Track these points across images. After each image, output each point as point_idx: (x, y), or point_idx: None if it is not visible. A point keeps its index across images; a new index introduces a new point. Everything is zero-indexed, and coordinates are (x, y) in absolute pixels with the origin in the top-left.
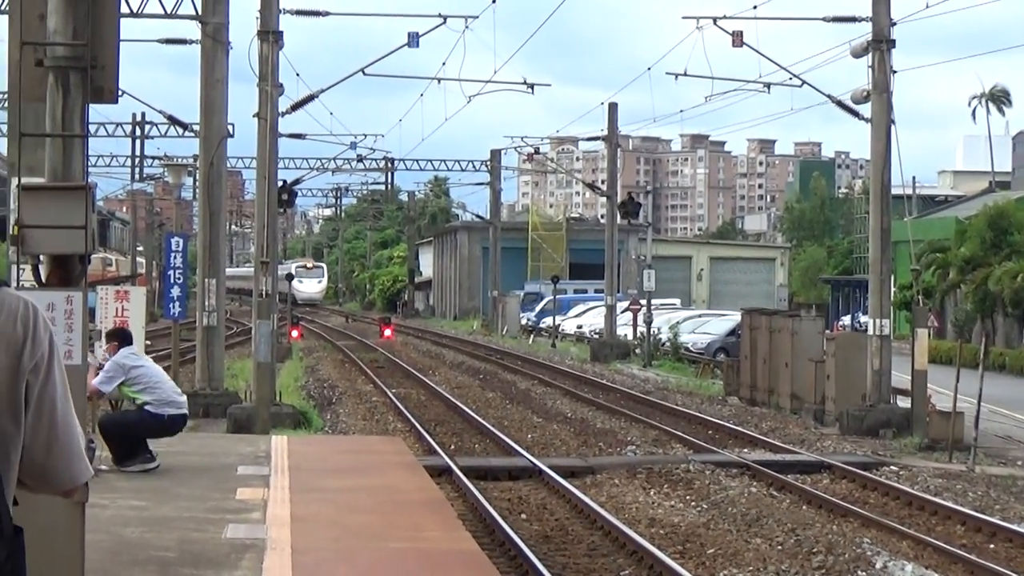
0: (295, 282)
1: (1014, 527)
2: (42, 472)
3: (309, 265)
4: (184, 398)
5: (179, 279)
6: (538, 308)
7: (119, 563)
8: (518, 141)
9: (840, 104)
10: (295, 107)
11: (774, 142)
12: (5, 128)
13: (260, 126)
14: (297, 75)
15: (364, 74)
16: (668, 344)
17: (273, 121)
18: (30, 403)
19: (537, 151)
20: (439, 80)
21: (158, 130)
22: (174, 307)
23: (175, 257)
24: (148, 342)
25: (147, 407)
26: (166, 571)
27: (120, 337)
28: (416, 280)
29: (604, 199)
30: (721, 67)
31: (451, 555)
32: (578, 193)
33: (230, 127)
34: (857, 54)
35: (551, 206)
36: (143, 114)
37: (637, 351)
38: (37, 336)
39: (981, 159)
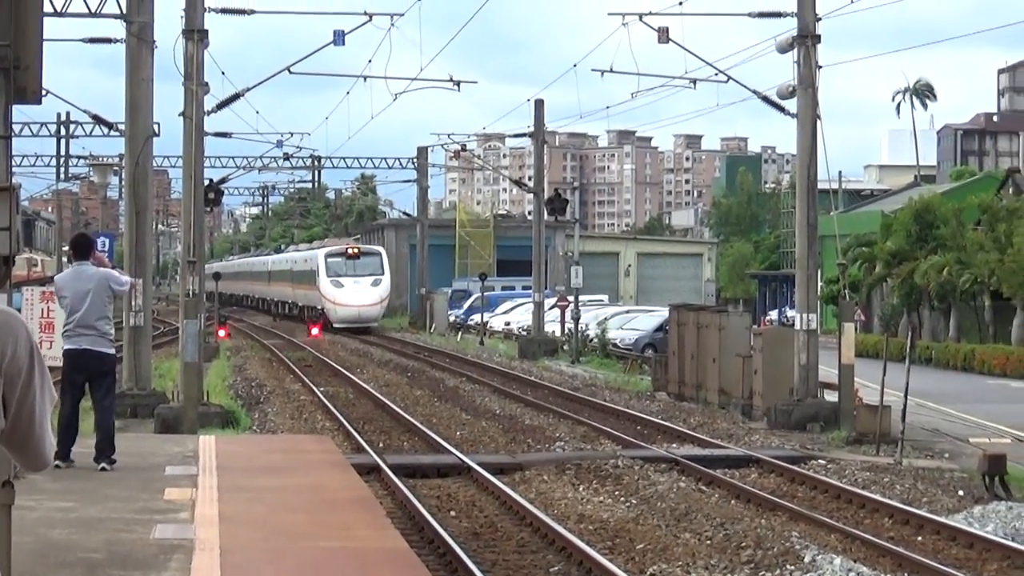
0: (327, 285)
1: (941, 519)
2: (14, 458)
3: (352, 250)
4: None
5: None
6: (466, 305)
7: (46, 565)
8: (445, 138)
9: (766, 99)
10: (221, 106)
11: (700, 137)
12: None
13: (186, 125)
14: (223, 74)
15: (290, 72)
16: (596, 340)
17: (199, 120)
18: (9, 407)
19: (464, 148)
20: (365, 78)
21: (83, 129)
22: None
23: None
24: None
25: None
26: (93, 572)
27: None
28: None
29: (531, 196)
30: (647, 63)
31: (380, 553)
32: (505, 190)
33: (156, 126)
34: (783, 49)
35: (478, 203)
36: (68, 114)
37: (565, 347)
38: (18, 349)
39: (906, 153)
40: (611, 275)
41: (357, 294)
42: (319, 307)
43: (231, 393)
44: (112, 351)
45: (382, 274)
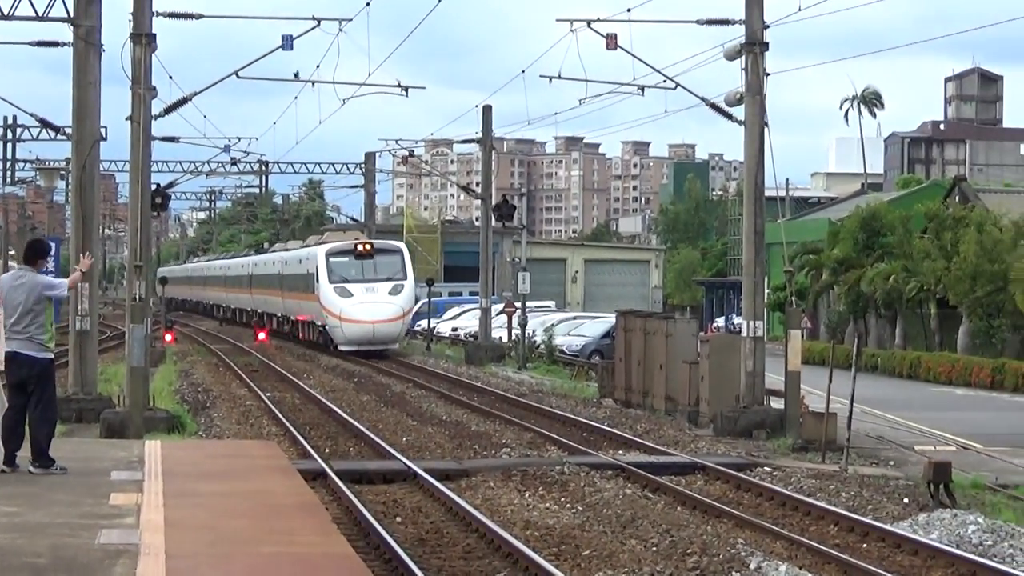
0: (330, 293)
1: (886, 527)
2: None
3: (364, 246)
4: None
5: None
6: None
7: None
8: (392, 144)
9: (713, 107)
10: (168, 110)
11: (648, 144)
12: None
13: (133, 129)
14: (170, 78)
15: (238, 77)
16: (543, 346)
17: (146, 124)
18: None
19: (411, 154)
20: (313, 83)
21: (30, 133)
22: None
23: (47, 261)
24: None
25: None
26: None
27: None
28: None
29: (479, 202)
30: (595, 70)
31: (325, 559)
32: (453, 195)
33: (103, 130)
34: (730, 57)
35: (426, 208)
36: (15, 117)
37: (512, 354)
38: None
39: (853, 161)
40: (558, 281)
41: (371, 306)
42: (319, 322)
43: (177, 398)
44: (44, 355)
45: (404, 278)
